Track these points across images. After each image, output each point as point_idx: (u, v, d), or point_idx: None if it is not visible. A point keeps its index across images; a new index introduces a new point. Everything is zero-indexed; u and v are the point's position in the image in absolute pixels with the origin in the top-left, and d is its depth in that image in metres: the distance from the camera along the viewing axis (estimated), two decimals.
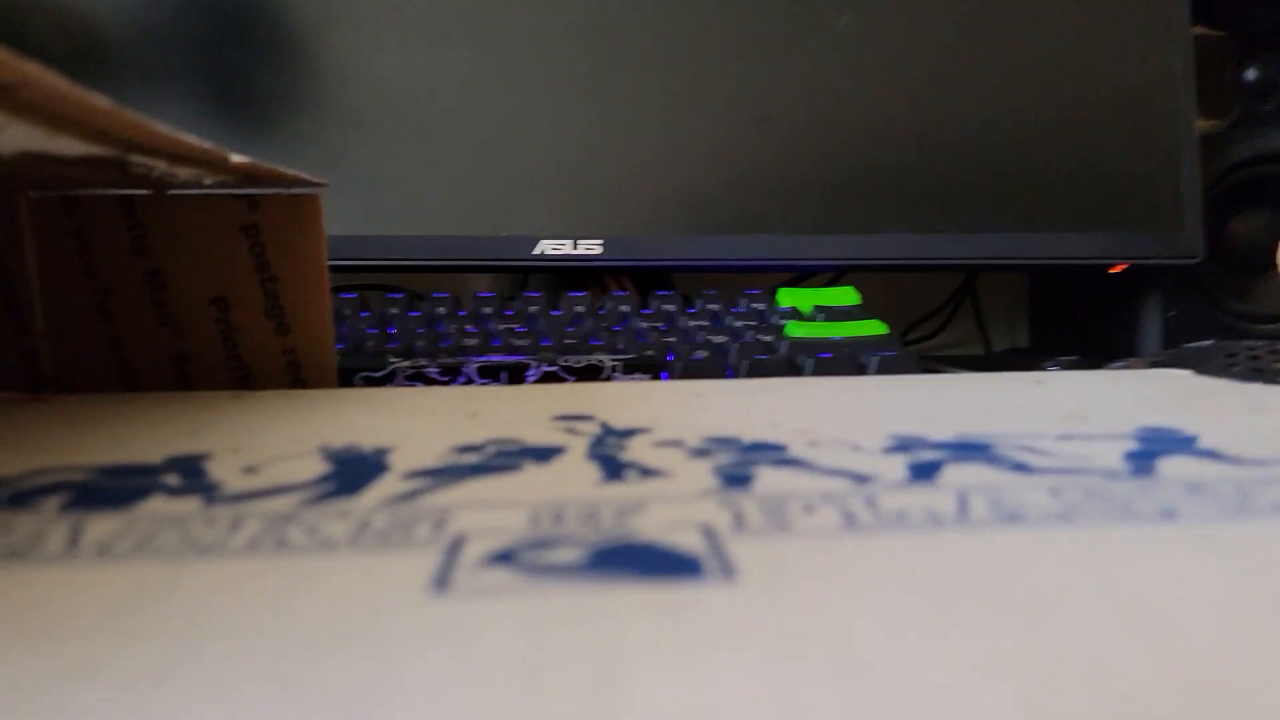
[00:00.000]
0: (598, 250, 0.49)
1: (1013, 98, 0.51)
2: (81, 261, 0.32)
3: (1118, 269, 0.50)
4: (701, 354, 0.44)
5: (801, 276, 0.57)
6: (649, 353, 0.45)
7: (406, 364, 0.45)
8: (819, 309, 0.46)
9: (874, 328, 0.44)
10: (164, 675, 0.09)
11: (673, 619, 0.10)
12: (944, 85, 0.50)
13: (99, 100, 0.18)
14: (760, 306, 0.47)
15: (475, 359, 0.45)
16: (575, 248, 0.49)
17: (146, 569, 0.12)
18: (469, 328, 0.47)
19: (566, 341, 0.46)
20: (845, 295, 0.47)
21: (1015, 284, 0.68)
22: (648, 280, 0.54)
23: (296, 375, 0.33)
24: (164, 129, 0.21)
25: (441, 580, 0.11)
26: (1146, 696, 0.08)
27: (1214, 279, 0.56)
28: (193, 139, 0.23)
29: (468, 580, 0.11)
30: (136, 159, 0.24)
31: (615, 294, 0.49)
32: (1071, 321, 0.63)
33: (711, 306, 0.47)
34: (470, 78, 0.49)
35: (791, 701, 0.08)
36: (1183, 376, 0.29)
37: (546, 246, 0.49)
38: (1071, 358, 0.53)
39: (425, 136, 0.50)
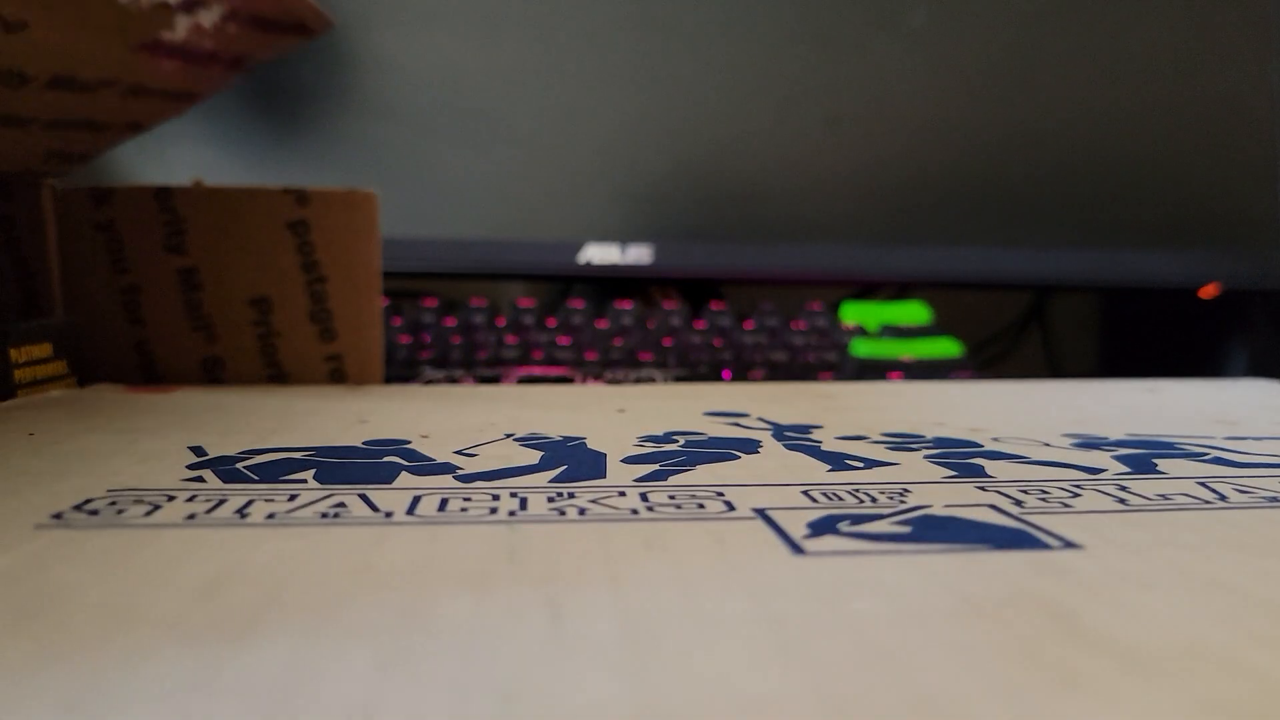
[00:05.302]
0: (647, 259, 0.50)
1: (1096, 105, 0.53)
2: (109, 257, 0.33)
3: (1209, 292, 0.52)
4: (760, 372, 0.46)
5: (865, 290, 0.59)
6: (702, 369, 0.46)
7: (441, 375, 0.46)
8: (886, 326, 0.48)
9: (946, 347, 0.46)
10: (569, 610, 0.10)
11: (1064, 578, 0.11)
12: (1022, 91, 0.53)
13: None
14: (822, 322, 0.49)
15: (516, 370, 0.46)
16: (623, 254, 0.50)
17: (479, 530, 0.13)
18: (509, 338, 0.48)
19: (613, 355, 0.47)
20: (914, 312, 0.49)
21: (1085, 308, 0.70)
22: (697, 289, 0.56)
23: (340, 383, 0.34)
24: None
25: (795, 545, 0.13)
26: None
27: None
28: None
29: (815, 544, 0.13)
30: None
31: (665, 305, 0.50)
32: (1146, 351, 0.65)
33: (770, 321, 0.49)
34: (513, 70, 0.51)
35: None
36: (1273, 386, 0.32)
37: (593, 253, 0.50)
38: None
39: (463, 132, 0.51)
